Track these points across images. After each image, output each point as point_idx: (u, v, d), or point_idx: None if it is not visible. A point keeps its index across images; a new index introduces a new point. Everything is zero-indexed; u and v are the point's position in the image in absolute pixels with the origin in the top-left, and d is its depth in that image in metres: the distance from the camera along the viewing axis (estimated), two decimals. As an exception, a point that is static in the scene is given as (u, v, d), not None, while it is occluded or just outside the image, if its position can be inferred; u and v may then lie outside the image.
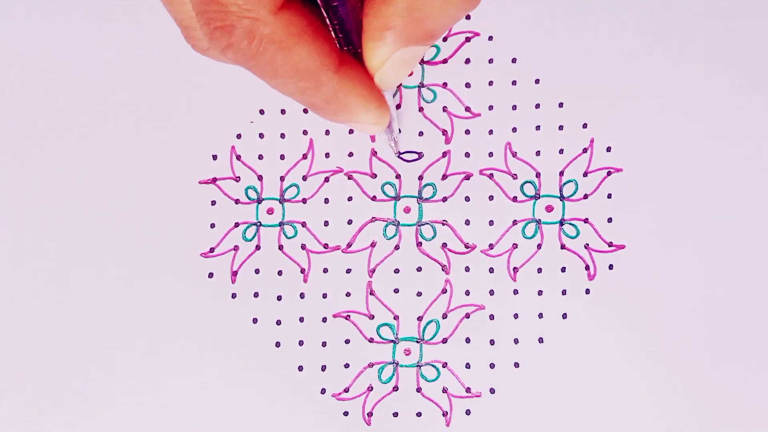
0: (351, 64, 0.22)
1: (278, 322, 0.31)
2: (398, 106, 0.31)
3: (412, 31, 0.21)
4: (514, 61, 0.31)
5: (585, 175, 0.31)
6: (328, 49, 0.22)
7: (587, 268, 0.31)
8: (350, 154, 0.31)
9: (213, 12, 0.20)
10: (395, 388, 0.31)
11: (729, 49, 0.31)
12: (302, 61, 0.21)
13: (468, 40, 0.31)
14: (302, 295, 0.31)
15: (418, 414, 0.31)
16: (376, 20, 0.21)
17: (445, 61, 0.31)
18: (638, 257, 0.31)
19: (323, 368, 0.31)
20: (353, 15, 0.22)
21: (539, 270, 0.31)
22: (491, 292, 0.31)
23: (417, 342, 0.31)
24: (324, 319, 0.31)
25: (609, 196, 0.31)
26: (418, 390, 0.31)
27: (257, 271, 0.31)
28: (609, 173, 0.31)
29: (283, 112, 0.31)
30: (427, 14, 0.21)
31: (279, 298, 0.31)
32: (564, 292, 0.31)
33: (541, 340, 0.31)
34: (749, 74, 0.31)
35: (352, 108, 0.23)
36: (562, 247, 0.31)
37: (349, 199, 0.31)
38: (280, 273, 0.31)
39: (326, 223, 0.31)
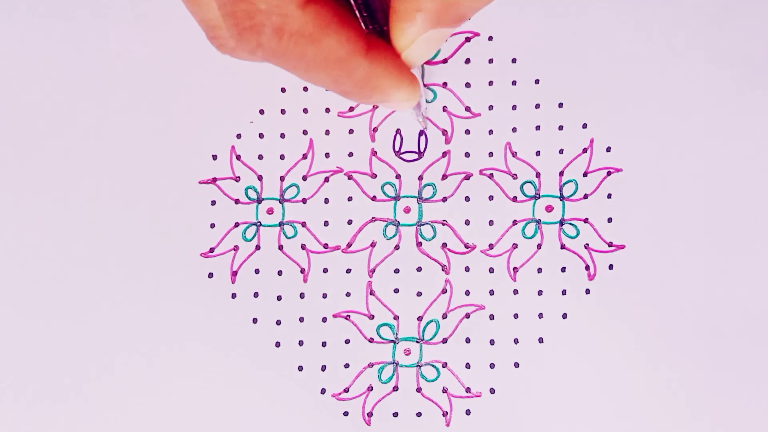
0: (378, 46, 0.22)
1: (278, 322, 0.31)
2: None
3: (443, 14, 0.21)
4: (514, 61, 0.31)
5: (585, 175, 0.31)
6: (356, 35, 0.21)
7: (587, 268, 0.31)
8: (350, 154, 0.31)
9: (241, 12, 0.20)
10: (395, 388, 0.31)
11: (729, 49, 0.31)
12: (332, 51, 0.21)
13: (468, 40, 0.31)
14: (302, 295, 0.31)
15: (418, 414, 0.31)
16: (407, 2, 0.21)
17: (445, 61, 0.31)
18: (638, 257, 0.31)
19: (323, 368, 0.31)
20: None
21: (539, 270, 0.31)
22: (491, 292, 0.31)
23: (417, 342, 0.31)
24: (324, 319, 0.31)
25: (609, 196, 0.31)
26: (418, 390, 0.31)
27: (257, 271, 0.31)
28: (609, 173, 0.31)
29: (283, 112, 0.31)
30: None
31: (279, 298, 0.31)
32: (564, 292, 0.31)
33: (541, 340, 0.31)
34: (749, 74, 0.31)
35: (386, 89, 0.23)
36: (562, 247, 0.31)
37: (349, 199, 0.31)
38: (280, 273, 0.31)
39: (326, 223, 0.31)
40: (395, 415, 0.31)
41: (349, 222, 0.31)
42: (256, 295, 0.31)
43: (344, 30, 0.21)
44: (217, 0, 0.20)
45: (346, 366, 0.31)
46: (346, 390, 0.31)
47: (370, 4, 0.22)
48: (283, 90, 0.31)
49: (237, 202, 0.31)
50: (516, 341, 0.31)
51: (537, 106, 0.31)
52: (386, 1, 0.22)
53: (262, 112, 0.31)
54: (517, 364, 0.31)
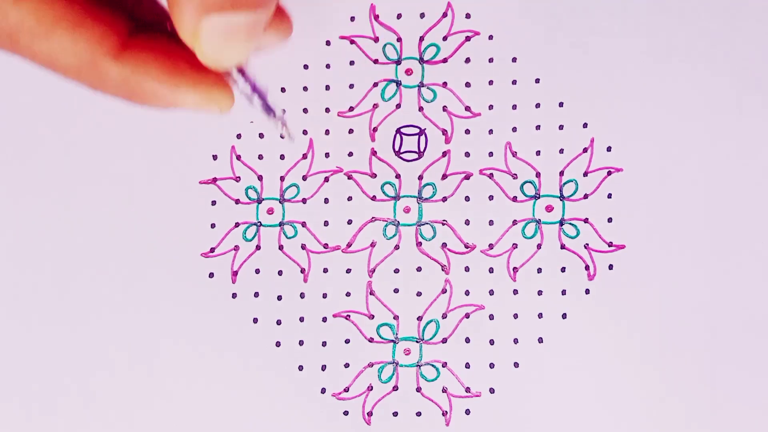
0: (149, 46, 0.21)
1: (278, 322, 0.31)
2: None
3: None
4: (514, 60, 0.31)
5: (585, 175, 0.31)
6: (100, 35, 0.20)
7: (587, 268, 0.31)
8: (350, 154, 0.31)
9: None
10: (395, 388, 0.31)
11: (729, 49, 0.30)
12: (64, 50, 0.20)
13: (468, 39, 0.31)
14: (302, 295, 0.31)
15: (418, 414, 0.31)
16: None
17: (445, 60, 0.31)
18: (638, 257, 0.31)
19: (323, 368, 0.31)
20: None
21: (539, 270, 0.31)
22: (491, 292, 0.31)
23: (417, 342, 0.31)
24: (324, 319, 0.31)
25: (609, 196, 0.31)
26: (418, 390, 0.31)
27: (257, 271, 0.31)
28: (609, 173, 0.31)
29: (283, 112, 0.31)
30: None
31: (279, 298, 0.31)
32: (564, 292, 0.31)
33: (540, 340, 0.31)
34: (749, 75, 0.30)
35: (157, 94, 0.21)
36: (562, 247, 0.31)
37: (349, 199, 0.31)
38: (280, 273, 0.31)
39: (326, 223, 0.31)
40: (395, 414, 0.31)
41: (349, 222, 0.31)
42: (256, 295, 0.31)
43: (81, 28, 0.20)
44: None
45: (346, 366, 0.31)
46: (346, 390, 0.31)
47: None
48: (283, 90, 0.31)
49: (237, 202, 0.31)
50: (516, 341, 0.31)
51: (537, 105, 0.31)
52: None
53: (262, 112, 0.31)
54: (516, 364, 0.31)
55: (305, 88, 0.31)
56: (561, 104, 0.31)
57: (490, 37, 0.31)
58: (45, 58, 0.20)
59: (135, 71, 0.20)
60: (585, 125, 0.31)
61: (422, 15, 0.31)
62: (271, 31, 0.22)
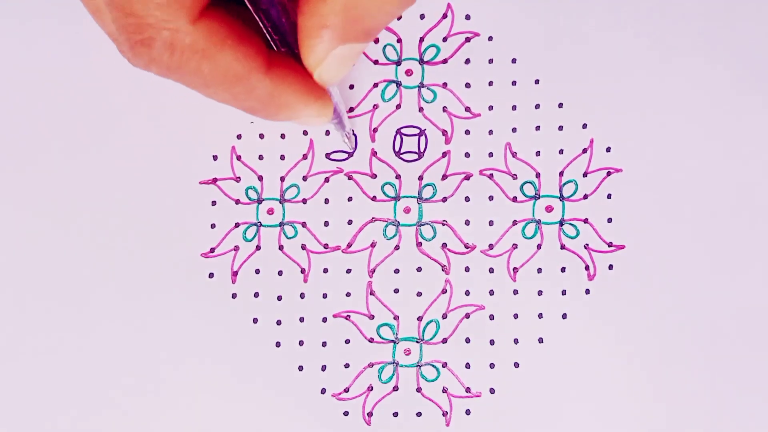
0: (283, 63, 0.22)
1: (278, 322, 0.31)
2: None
3: (349, 29, 0.20)
4: (514, 61, 0.31)
5: (585, 175, 0.31)
6: (254, 51, 0.21)
7: (587, 268, 0.31)
8: (350, 154, 0.31)
9: (131, 25, 0.20)
10: (395, 388, 0.31)
11: (729, 49, 0.31)
12: (229, 68, 0.21)
13: (468, 40, 0.31)
14: (302, 295, 0.31)
15: (418, 414, 0.31)
16: (312, 19, 0.20)
17: (445, 61, 0.31)
18: (638, 257, 0.31)
19: (323, 368, 0.31)
20: (285, 16, 0.21)
21: (539, 270, 0.31)
22: (491, 292, 0.31)
23: (417, 342, 0.31)
24: (324, 319, 0.31)
25: (609, 196, 0.31)
26: (418, 390, 0.31)
27: (257, 271, 0.31)
28: (609, 173, 0.31)
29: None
30: (364, 13, 0.20)
31: (279, 298, 0.31)
32: (564, 292, 0.31)
33: (541, 340, 0.31)
34: (749, 74, 0.31)
35: (291, 106, 0.23)
36: (562, 247, 0.31)
37: (349, 199, 0.31)
38: (280, 273, 0.31)
39: (326, 224, 0.31)
40: (395, 415, 0.31)
41: (349, 222, 0.31)
42: (256, 295, 0.31)
43: (241, 46, 0.21)
44: (111, 12, 0.20)
45: (346, 366, 0.31)
46: (346, 390, 0.31)
47: (279, 27, 0.22)
48: (283, 90, 0.31)
49: (237, 202, 0.31)
50: (516, 341, 0.31)
51: (537, 106, 0.31)
52: (295, 24, 0.21)
53: (262, 112, 0.31)
54: (517, 364, 0.31)
55: (305, 89, 0.31)
56: (560, 105, 0.31)
57: (490, 38, 0.31)
58: (206, 78, 0.21)
59: (279, 85, 0.22)
60: (584, 126, 0.31)
61: (422, 16, 0.31)
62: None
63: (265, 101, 0.22)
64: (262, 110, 0.23)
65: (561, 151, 0.31)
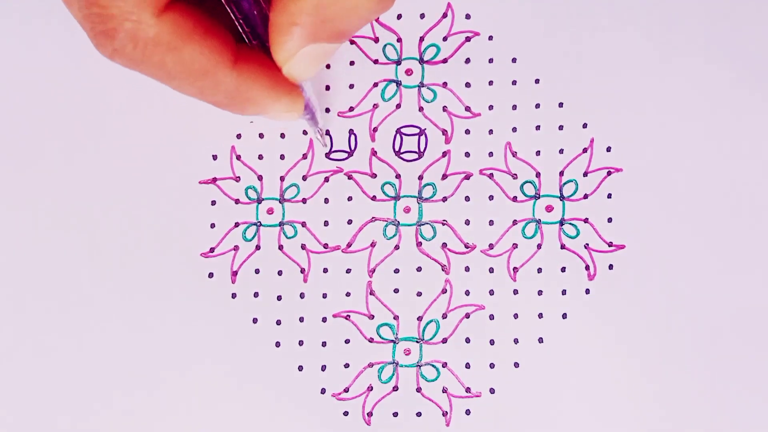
0: (250, 57, 0.22)
1: (278, 322, 0.31)
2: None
3: (319, 29, 0.20)
4: (514, 61, 0.31)
5: (585, 175, 0.31)
6: (221, 45, 0.21)
7: (587, 268, 0.31)
8: (350, 154, 0.31)
9: (95, 15, 0.19)
10: (395, 388, 0.31)
11: (729, 49, 0.31)
12: (194, 62, 0.21)
13: (468, 39, 0.31)
14: (302, 295, 0.31)
15: (418, 414, 0.31)
16: (283, 16, 0.20)
17: (445, 61, 0.31)
18: (638, 257, 0.31)
19: (323, 368, 0.31)
20: (257, 8, 0.21)
21: (539, 270, 0.31)
22: (491, 292, 0.31)
23: (417, 342, 0.31)
24: (324, 319, 0.31)
25: (609, 196, 0.31)
26: (418, 390, 0.31)
27: (257, 271, 0.31)
28: (609, 173, 0.31)
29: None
30: (336, 14, 0.20)
31: (279, 298, 0.31)
32: (564, 292, 0.31)
33: (541, 340, 0.31)
34: (749, 74, 0.31)
35: (258, 101, 0.23)
36: (562, 247, 0.31)
37: (349, 199, 0.31)
38: (280, 273, 0.31)
39: (326, 223, 0.31)
40: (395, 415, 0.31)
41: (349, 222, 0.31)
42: (256, 295, 0.31)
43: (207, 40, 0.21)
44: (77, 2, 0.20)
45: (346, 366, 0.31)
46: (346, 390, 0.31)
47: (251, 18, 0.22)
48: (283, 90, 0.31)
49: (237, 202, 0.31)
50: (516, 341, 0.31)
51: (537, 106, 0.31)
52: (267, 17, 0.21)
53: (262, 112, 0.31)
54: (517, 364, 0.31)
55: (305, 88, 0.31)
56: (561, 104, 0.31)
57: (490, 38, 0.31)
58: (170, 71, 0.21)
59: (246, 80, 0.22)
60: (585, 125, 0.31)
61: (422, 15, 0.31)
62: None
63: (232, 95, 0.22)
64: (229, 104, 0.23)
65: (561, 151, 0.31)
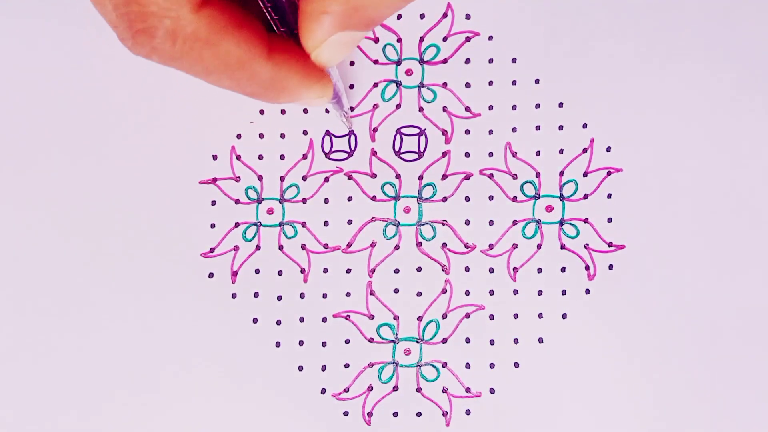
0: (282, 47, 0.22)
1: (278, 322, 0.31)
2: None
3: (349, 17, 0.21)
4: (514, 61, 0.31)
5: (585, 175, 0.31)
6: (256, 37, 0.21)
7: (587, 268, 0.31)
8: (350, 154, 0.31)
9: (133, 14, 0.20)
10: (395, 388, 0.31)
11: (729, 49, 0.31)
12: (231, 54, 0.21)
13: (468, 40, 0.31)
14: (302, 295, 0.31)
15: (418, 414, 0.31)
16: (313, 4, 0.21)
17: (445, 61, 0.31)
18: (638, 257, 0.31)
19: (323, 368, 0.31)
20: None
21: (539, 270, 0.31)
22: (491, 292, 0.31)
23: (417, 342, 0.31)
24: (324, 319, 0.31)
25: (609, 196, 0.31)
26: (418, 390, 0.31)
27: (257, 271, 0.31)
28: (609, 173, 0.31)
29: (283, 112, 0.31)
30: (366, 3, 0.20)
31: (279, 298, 0.31)
32: (564, 292, 0.31)
33: (541, 340, 0.31)
34: (749, 74, 0.31)
35: (292, 89, 0.23)
36: (562, 247, 0.31)
37: (349, 199, 0.31)
38: (280, 273, 0.31)
39: (326, 223, 0.31)
40: (395, 415, 0.31)
41: (349, 222, 0.31)
42: (256, 295, 0.31)
43: (242, 33, 0.21)
44: (111, 1, 0.20)
45: (346, 366, 0.31)
46: (346, 390, 0.31)
47: (279, 6, 0.22)
48: (283, 90, 0.31)
49: (237, 202, 0.31)
50: (516, 341, 0.31)
51: (537, 106, 0.31)
52: (296, 4, 0.22)
53: (262, 112, 0.31)
54: (517, 364, 0.31)
55: (305, 89, 0.31)
56: (561, 105, 0.31)
57: (490, 38, 0.31)
58: (208, 65, 0.21)
59: (281, 69, 0.22)
60: (585, 126, 0.31)
61: (422, 16, 0.31)
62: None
63: (267, 85, 0.22)
64: (264, 94, 0.23)
65: (561, 151, 0.31)
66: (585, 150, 0.31)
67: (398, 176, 0.31)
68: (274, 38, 0.22)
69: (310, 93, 0.24)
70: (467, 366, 0.31)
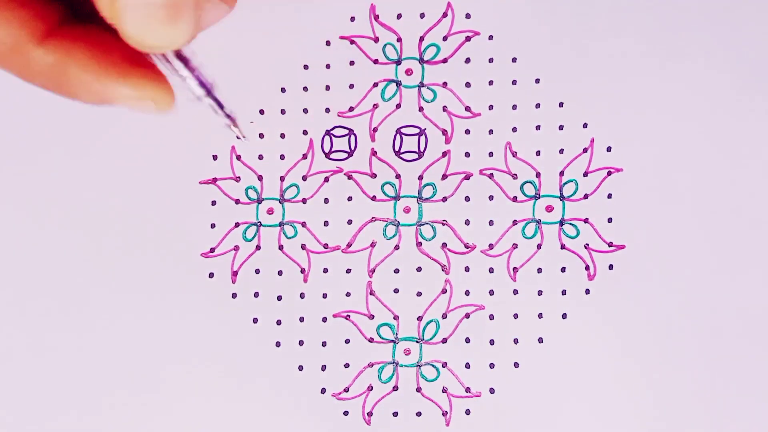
0: (75, 35, 0.19)
1: (278, 322, 0.31)
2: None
3: None
4: (514, 60, 0.31)
5: (585, 175, 0.31)
6: (27, 19, 0.19)
7: (587, 268, 0.31)
8: (350, 154, 0.31)
9: None
10: (395, 388, 0.31)
11: (729, 49, 0.30)
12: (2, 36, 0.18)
13: (468, 39, 0.31)
14: (302, 295, 0.31)
15: (418, 414, 0.31)
16: None
17: (445, 60, 0.31)
18: (638, 257, 0.31)
19: (323, 368, 0.31)
20: None
21: (539, 270, 0.31)
22: (491, 292, 0.31)
23: (417, 342, 0.31)
24: (324, 319, 0.31)
25: (609, 196, 0.31)
26: (418, 390, 0.31)
27: (257, 271, 0.31)
28: (609, 173, 0.31)
29: (283, 112, 0.31)
30: None
31: (279, 298, 0.31)
32: (564, 292, 0.31)
33: (541, 340, 0.31)
34: (749, 74, 0.30)
35: (82, 83, 0.19)
36: (562, 247, 0.31)
37: (349, 199, 0.31)
38: (280, 273, 0.31)
39: (326, 223, 0.31)
40: (395, 414, 0.31)
41: (349, 222, 0.31)
42: (256, 295, 0.31)
43: (8, 12, 0.19)
44: None
45: (346, 366, 0.31)
46: (346, 390, 0.31)
47: None
48: (283, 90, 0.31)
49: (237, 202, 0.31)
50: (516, 341, 0.31)
51: (537, 105, 0.31)
52: None
53: (262, 112, 0.31)
54: (516, 364, 0.31)
55: (305, 88, 0.31)
56: (561, 104, 0.31)
57: (490, 38, 0.31)
58: None
59: (60, 58, 0.19)
60: (585, 125, 0.31)
61: (422, 15, 0.31)
62: (208, 6, 0.20)
63: (49, 76, 0.19)
64: (54, 87, 0.20)
65: (561, 151, 0.31)
66: (585, 150, 0.31)
67: (398, 176, 0.31)
68: (72, 26, 0.19)
69: (115, 91, 0.19)
70: (467, 366, 0.31)
